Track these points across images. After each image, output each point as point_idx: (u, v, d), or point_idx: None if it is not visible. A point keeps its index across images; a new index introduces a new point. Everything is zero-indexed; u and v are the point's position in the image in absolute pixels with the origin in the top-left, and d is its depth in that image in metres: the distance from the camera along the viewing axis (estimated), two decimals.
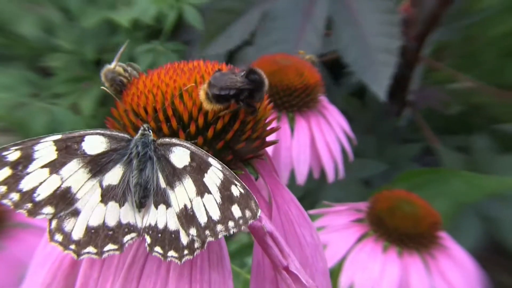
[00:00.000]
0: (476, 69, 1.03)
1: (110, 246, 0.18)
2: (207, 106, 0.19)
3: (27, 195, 0.18)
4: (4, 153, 0.18)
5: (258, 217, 0.17)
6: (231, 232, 0.17)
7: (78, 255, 0.18)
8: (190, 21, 0.97)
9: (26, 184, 0.18)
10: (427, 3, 0.90)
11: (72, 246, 0.18)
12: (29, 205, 0.18)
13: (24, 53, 1.25)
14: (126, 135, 0.20)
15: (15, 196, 0.18)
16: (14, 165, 0.18)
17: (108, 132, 0.20)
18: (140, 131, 0.20)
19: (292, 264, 0.19)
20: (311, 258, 0.22)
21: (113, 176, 0.19)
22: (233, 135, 0.20)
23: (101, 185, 0.19)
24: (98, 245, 0.18)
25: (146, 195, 0.19)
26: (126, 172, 0.19)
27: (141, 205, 0.19)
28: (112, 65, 0.22)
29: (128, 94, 0.21)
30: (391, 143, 1.08)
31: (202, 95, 0.19)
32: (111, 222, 0.19)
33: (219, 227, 0.17)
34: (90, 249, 0.18)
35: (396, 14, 0.72)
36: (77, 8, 1.11)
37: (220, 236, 0.17)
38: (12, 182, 0.18)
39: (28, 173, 0.18)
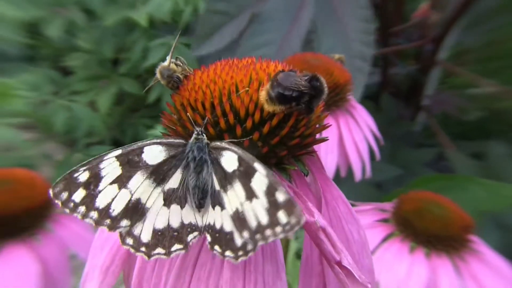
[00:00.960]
0: (500, 74, 1.01)
1: (176, 246, 0.19)
2: (268, 107, 0.19)
3: (104, 212, 0.19)
4: (75, 175, 0.19)
5: (302, 224, 0.17)
6: (279, 237, 0.17)
7: (149, 256, 0.19)
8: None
9: (100, 202, 0.19)
10: (449, 3, 0.89)
11: (143, 248, 0.19)
12: (108, 221, 0.19)
13: (49, 53, 1.28)
14: (182, 141, 0.21)
15: (94, 214, 0.19)
16: (86, 185, 0.19)
17: (165, 141, 0.20)
18: (194, 135, 0.20)
19: (345, 259, 0.19)
20: (358, 255, 0.22)
21: (174, 180, 0.20)
22: (287, 131, 0.20)
23: (163, 190, 0.20)
24: (165, 246, 0.19)
25: (204, 196, 0.20)
26: (184, 175, 0.20)
27: (200, 206, 0.20)
28: (167, 63, 0.23)
29: (185, 89, 0.22)
30: (404, 147, 1.08)
31: (263, 96, 0.19)
32: (175, 224, 0.20)
33: (268, 231, 0.18)
34: (159, 250, 0.19)
35: (372, 23, 0.72)
36: (100, 9, 1.13)
37: (269, 240, 0.18)
38: (89, 202, 0.19)
39: (100, 191, 0.19)
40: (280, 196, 0.18)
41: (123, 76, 1.25)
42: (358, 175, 0.45)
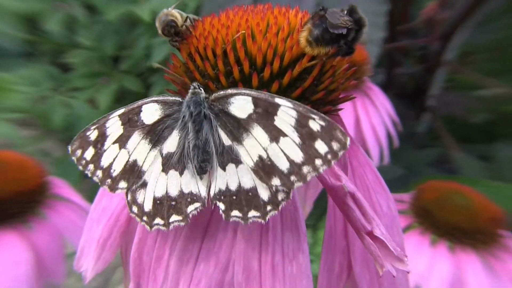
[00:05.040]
0: (509, 75, 0.98)
1: (174, 217, 0.17)
2: (310, 50, 0.17)
3: (107, 172, 0.18)
4: (88, 133, 0.18)
5: (348, 146, 0.15)
6: (321, 170, 0.15)
7: (150, 226, 0.17)
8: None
9: (105, 161, 0.18)
10: (458, 1, 0.88)
11: (145, 218, 0.17)
12: (109, 180, 0.18)
13: (48, 49, 1.28)
14: (177, 98, 0.19)
15: (99, 173, 0.18)
16: (95, 143, 0.18)
17: (161, 98, 0.19)
18: (190, 91, 0.18)
19: (377, 228, 0.17)
20: (387, 230, 0.20)
21: (171, 143, 0.18)
22: (311, 83, 0.18)
23: (161, 154, 0.18)
24: (164, 217, 0.17)
25: (205, 159, 0.17)
26: (182, 137, 0.18)
27: (201, 171, 0.17)
28: (169, 10, 0.20)
29: (192, 36, 0.19)
30: (407, 147, 1.05)
31: (304, 37, 0.17)
32: (173, 192, 0.18)
33: (305, 168, 0.15)
34: (158, 220, 0.17)
35: (385, 4, 0.69)
36: (102, 3, 1.12)
37: (309, 178, 0.15)
38: (96, 160, 0.18)
39: (105, 150, 0.18)
40: (315, 124, 0.15)
41: (124, 73, 1.24)
42: (375, 161, 0.42)
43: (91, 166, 0.18)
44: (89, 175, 0.18)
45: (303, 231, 0.17)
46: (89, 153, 0.18)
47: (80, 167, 0.18)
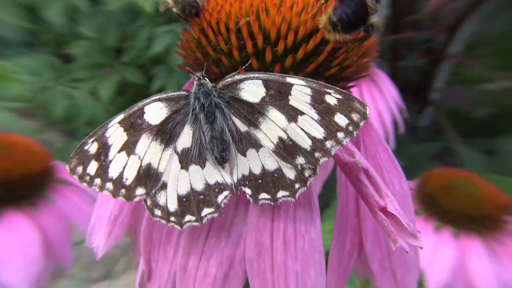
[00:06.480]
0: None
1: (206, 210, 0.17)
2: (330, 36, 0.17)
3: (118, 182, 0.17)
4: (86, 148, 0.17)
5: (368, 116, 0.15)
6: (344, 142, 0.16)
7: (181, 225, 0.17)
8: None
9: (113, 172, 0.17)
10: None
11: (172, 218, 0.17)
12: (123, 191, 0.17)
13: (50, 39, 1.27)
14: (182, 92, 0.18)
15: (109, 185, 0.17)
16: (97, 156, 0.17)
17: (164, 95, 0.18)
18: (195, 83, 0.18)
19: (390, 204, 0.17)
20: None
21: (185, 138, 0.18)
22: (325, 58, 0.18)
23: (176, 152, 0.18)
24: (194, 212, 0.17)
25: (225, 148, 0.17)
26: (196, 130, 0.18)
27: (223, 160, 0.17)
28: None
29: (205, 11, 0.19)
30: (409, 141, 1.05)
31: (324, 22, 0.17)
32: (199, 186, 0.17)
33: (329, 143, 0.16)
34: (189, 217, 0.17)
35: None
36: None
37: (333, 152, 0.16)
38: (102, 173, 0.17)
39: (111, 161, 0.17)
40: (331, 99, 0.16)
41: (125, 65, 1.23)
42: None
43: (97, 181, 0.17)
44: (97, 190, 0.17)
45: (316, 207, 0.17)
46: (92, 167, 0.17)
47: (85, 184, 0.17)
